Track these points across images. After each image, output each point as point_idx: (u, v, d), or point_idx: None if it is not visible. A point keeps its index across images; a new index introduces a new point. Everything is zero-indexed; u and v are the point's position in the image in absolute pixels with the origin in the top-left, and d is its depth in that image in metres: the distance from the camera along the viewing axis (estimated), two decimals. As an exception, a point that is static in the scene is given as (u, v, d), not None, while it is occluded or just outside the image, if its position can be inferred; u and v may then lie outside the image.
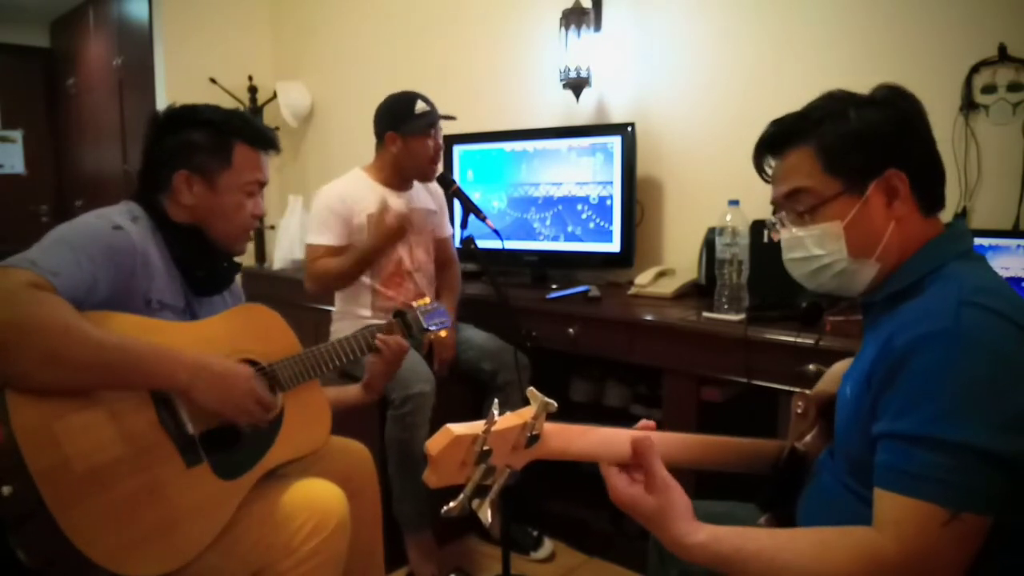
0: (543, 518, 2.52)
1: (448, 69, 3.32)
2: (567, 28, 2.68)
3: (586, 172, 2.64)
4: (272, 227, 3.68)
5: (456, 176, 2.90)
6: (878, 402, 0.94)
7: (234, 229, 1.50)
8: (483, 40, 3.20)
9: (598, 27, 2.75)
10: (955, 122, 2.01)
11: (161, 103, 4.08)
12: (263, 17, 4.31)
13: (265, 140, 1.53)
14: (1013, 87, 1.95)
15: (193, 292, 1.49)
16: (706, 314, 2.07)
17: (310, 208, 2.42)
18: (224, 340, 1.43)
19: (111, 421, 1.22)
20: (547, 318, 2.37)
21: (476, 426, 0.83)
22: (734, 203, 2.09)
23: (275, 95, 4.05)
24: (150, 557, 1.21)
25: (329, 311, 2.52)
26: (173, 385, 1.27)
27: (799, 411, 1.21)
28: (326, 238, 2.31)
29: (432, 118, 2.34)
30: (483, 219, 2.13)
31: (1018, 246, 1.81)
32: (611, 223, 2.59)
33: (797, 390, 1.28)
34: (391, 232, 2.24)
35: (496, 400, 0.87)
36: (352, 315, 2.40)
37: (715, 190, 2.42)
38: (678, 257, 2.64)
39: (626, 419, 2.51)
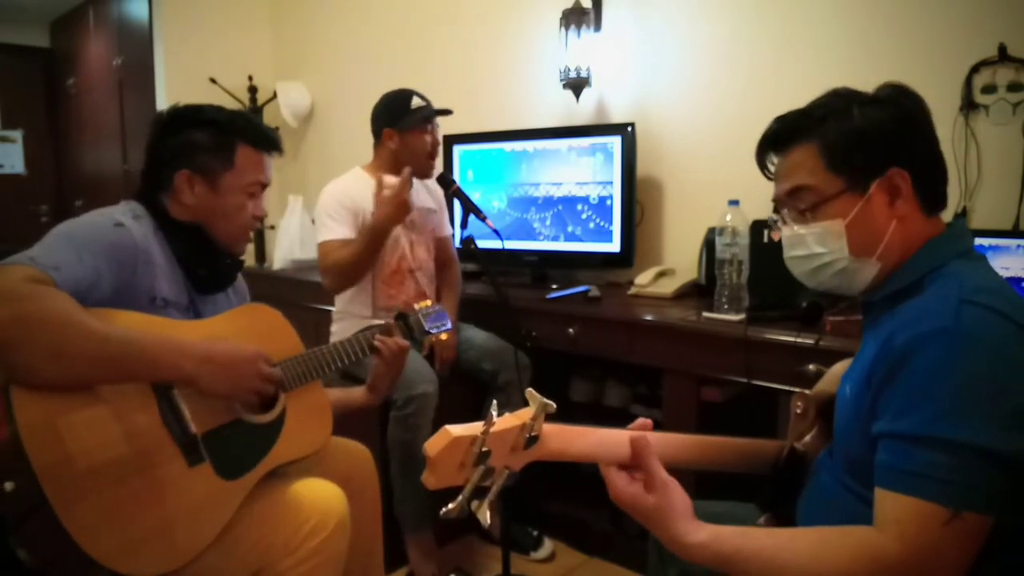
0: (543, 518, 2.52)
1: (448, 69, 3.32)
2: (567, 28, 2.68)
3: (586, 172, 2.64)
4: (272, 227, 3.68)
5: (456, 176, 2.90)
6: (878, 401, 0.94)
7: (235, 229, 1.51)
8: (483, 40, 3.20)
9: (598, 27, 2.75)
10: (955, 122, 2.01)
11: (161, 103, 4.08)
12: (263, 17, 4.31)
13: (268, 141, 1.53)
14: (1013, 87, 1.95)
15: (196, 290, 1.50)
16: (706, 314, 2.07)
17: (312, 208, 2.42)
18: (228, 339, 1.43)
19: (114, 419, 1.22)
20: (547, 318, 2.37)
21: (475, 427, 0.83)
22: (734, 203, 2.09)
23: (275, 95, 4.05)
24: (151, 556, 1.21)
25: (329, 311, 2.52)
26: (179, 376, 1.27)
27: (798, 411, 1.21)
28: (339, 232, 2.30)
29: (428, 112, 2.35)
30: (483, 219, 2.13)
31: (1018, 246, 1.81)
32: (611, 223, 2.59)
33: (797, 390, 1.28)
34: (391, 203, 2.15)
35: (495, 401, 0.87)
36: (352, 315, 2.40)
37: (715, 190, 2.42)
38: (678, 257, 2.64)
39: (626, 419, 2.49)
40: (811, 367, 1.76)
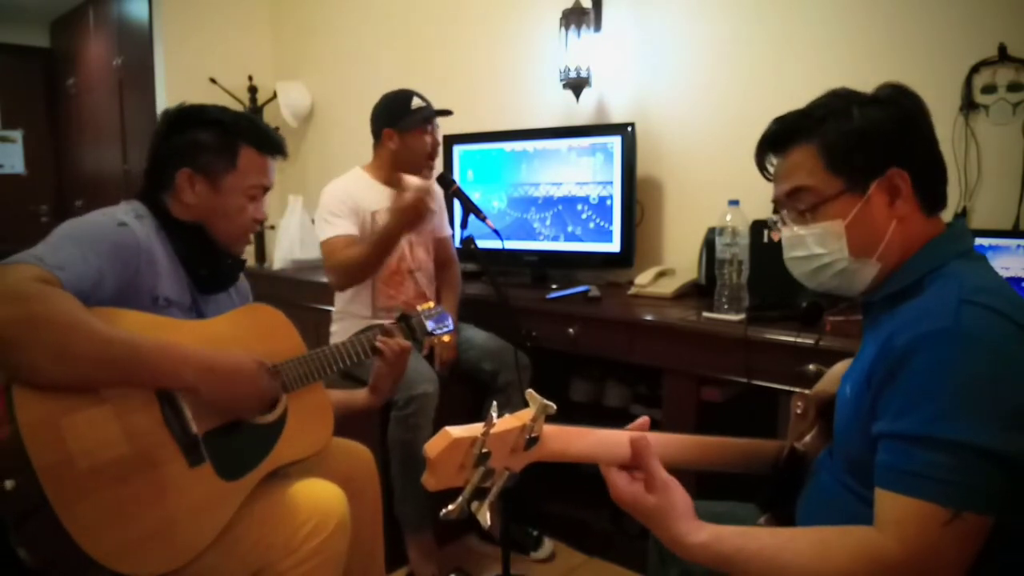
0: (543, 518, 2.52)
1: (448, 69, 3.32)
2: (567, 28, 2.68)
3: (586, 172, 2.64)
4: (272, 227, 3.68)
5: (456, 176, 2.90)
6: (878, 402, 0.94)
7: (234, 230, 1.51)
8: (483, 40, 3.20)
9: (598, 27, 2.75)
10: (955, 122, 2.01)
11: (161, 103, 4.08)
12: (263, 17, 4.31)
13: (272, 145, 1.53)
14: (1013, 87, 1.95)
15: (198, 290, 1.50)
16: (706, 314, 2.07)
17: (312, 208, 2.42)
18: (230, 339, 1.43)
19: (116, 419, 1.22)
20: (547, 318, 2.37)
21: (475, 429, 0.82)
22: (734, 203, 2.09)
23: (275, 95, 4.05)
24: (150, 556, 1.21)
25: (329, 311, 2.52)
26: (180, 383, 1.27)
27: (798, 411, 1.22)
28: (342, 228, 2.29)
29: (428, 112, 2.35)
30: (483, 219, 2.13)
31: (1018, 246, 1.81)
32: (611, 223, 2.59)
33: (797, 390, 1.28)
34: (410, 208, 2.11)
35: (495, 403, 0.87)
36: (352, 315, 2.40)
37: (715, 190, 2.42)
38: (678, 257, 2.64)
39: (626, 419, 2.50)
40: (811, 367, 1.76)
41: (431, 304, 1.84)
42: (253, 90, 4.07)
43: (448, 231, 2.61)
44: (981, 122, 2.00)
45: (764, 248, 2.04)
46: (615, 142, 2.56)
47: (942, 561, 0.86)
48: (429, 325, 1.77)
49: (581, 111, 2.83)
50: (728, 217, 2.07)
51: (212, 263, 1.50)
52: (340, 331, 2.41)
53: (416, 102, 2.34)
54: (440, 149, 2.47)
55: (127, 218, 1.37)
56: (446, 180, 2.28)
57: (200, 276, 1.49)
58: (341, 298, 2.43)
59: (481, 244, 2.12)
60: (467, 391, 2.42)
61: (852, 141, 1.03)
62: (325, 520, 1.37)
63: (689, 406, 2.05)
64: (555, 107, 2.93)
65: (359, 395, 1.73)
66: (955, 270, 0.99)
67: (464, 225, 2.11)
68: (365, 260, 2.22)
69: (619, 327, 2.21)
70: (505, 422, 0.85)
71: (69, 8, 5.16)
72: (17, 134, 5.54)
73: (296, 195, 3.61)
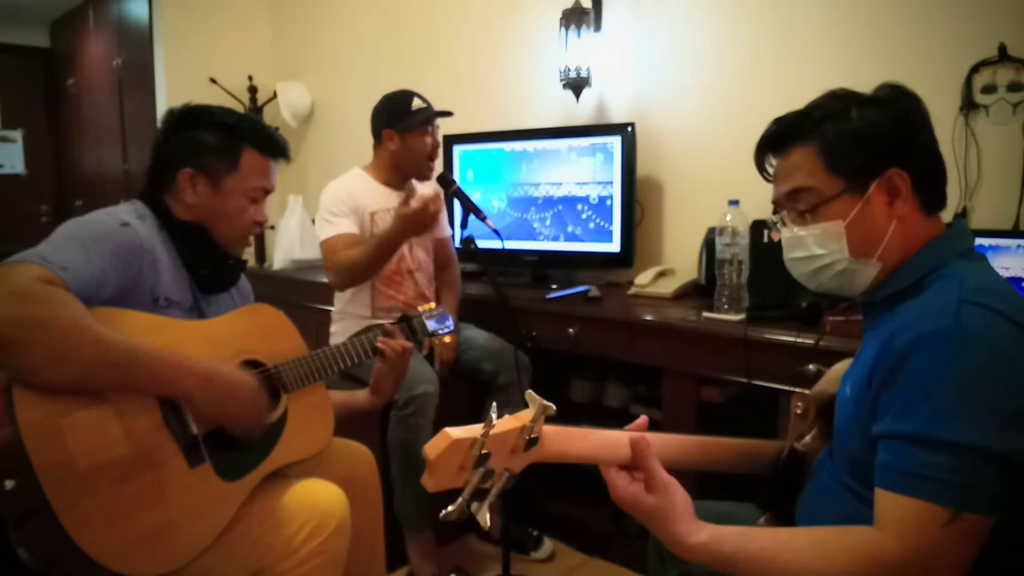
0: (543, 518, 2.52)
1: (448, 69, 3.32)
2: (567, 28, 2.68)
3: (586, 172, 2.64)
4: (272, 227, 3.68)
5: (456, 176, 2.90)
6: (878, 402, 0.94)
7: (234, 232, 1.51)
8: (483, 40, 3.20)
9: (598, 27, 2.75)
10: (955, 122, 2.01)
11: (161, 103, 4.08)
12: (263, 17, 4.31)
13: (276, 148, 1.53)
14: (1013, 87, 1.95)
15: (200, 290, 1.50)
16: (706, 314, 2.07)
17: (312, 208, 2.42)
18: (231, 339, 1.43)
19: (116, 419, 1.22)
20: (547, 318, 2.37)
21: (474, 430, 0.82)
22: (734, 203, 2.09)
23: (275, 95, 4.05)
24: (150, 557, 1.21)
25: (329, 311, 2.52)
26: (177, 392, 1.27)
27: (798, 411, 1.22)
28: (343, 227, 2.30)
29: (428, 113, 2.35)
30: (483, 219, 2.13)
31: (1018, 246, 1.81)
32: (611, 223, 2.59)
33: (797, 390, 1.28)
34: (414, 217, 2.12)
35: (495, 404, 0.87)
36: (352, 315, 2.40)
37: (715, 190, 2.42)
38: (678, 257, 2.64)
39: (626, 419, 2.50)
40: (811, 367, 1.76)
41: (432, 305, 1.84)
42: (253, 90, 4.07)
43: (448, 232, 2.61)
44: (981, 122, 2.00)
45: (764, 248, 2.04)
46: (615, 142, 2.56)
47: (942, 562, 0.86)
48: (431, 325, 1.78)
49: (581, 111, 2.83)
50: (728, 217, 2.07)
51: (213, 263, 1.50)
52: (340, 331, 2.41)
53: (416, 103, 2.34)
54: (440, 150, 2.46)
55: (130, 218, 1.37)
56: (446, 180, 2.28)
57: (202, 276, 1.49)
58: (341, 298, 2.43)
59: (481, 244, 2.12)
60: (467, 391, 2.42)
61: (851, 142, 1.03)
62: (325, 521, 1.37)
63: (689, 406, 2.05)
64: (555, 107, 2.93)
65: (359, 396, 1.73)
66: (955, 270, 0.99)
67: (464, 225, 2.11)
68: (365, 262, 2.22)
69: (619, 327, 2.21)
70: (505, 423, 0.85)
71: (69, 8, 5.16)
72: (17, 134, 5.54)
73: (296, 195, 3.61)
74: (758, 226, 2.08)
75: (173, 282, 1.42)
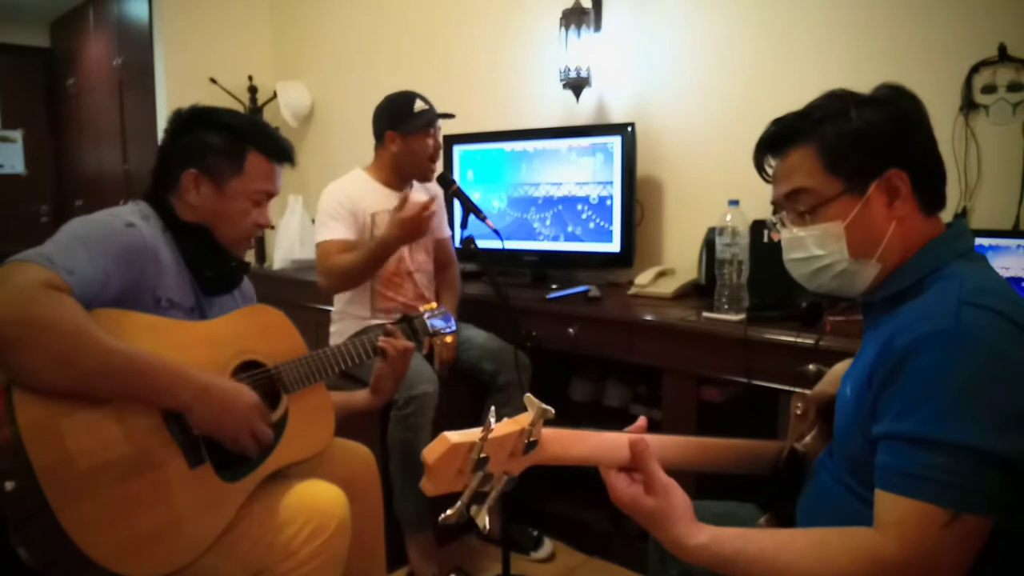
0: (543, 518, 2.52)
1: (448, 69, 3.32)
2: (567, 28, 2.68)
3: (586, 172, 2.64)
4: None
5: (456, 176, 2.90)
6: (878, 403, 0.94)
7: (237, 234, 1.51)
8: (483, 40, 3.20)
9: (598, 27, 2.75)
10: (955, 122, 2.01)
11: (161, 103, 4.08)
12: (263, 17, 4.31)
13: (281, 152, 1.53)
14: (1013, 87, 1.95)
15: (203, 292, 1.50)
16: (706, 314, 2.07)
17: (312, 208, 2.42)
18: (231, 340, 1.43)
19: (116, 420, 1.22)
20: (547, 318, 2.37)
21: (473, 434, 0.82)
22: (734, 203, 2.09)
23: (275, 95, 4.05)
24: (150, 557, 1.21)
25: (329, 311, 2.52)
26: (176, 403, 1.27)
27: (798, 412, 1.21)
28: (338, 232, 2.30)
29: (431, 116, 2.34)
30: (483, 219, 2.13)
31: (1018, 246, 1.81)
32: (611, 223, 2.59)
33: (797, 390, 1.28)
34: (408, 223, 2.12)
35: (493, 408, 0.87)
36: (352, 316, 2.40)
37: (715, 190, 2.42)
38: (678, 257, 2.64)
39: (626, 419, 2.50)
40: (811, 367, 1.76)
41: (434, 304, 1.84)
42: (253, 90, 4.07)
43: (448, 232, 2.61)
44: (981, 122, 2.00)
45: (764, 248, 2.04)
46: (615, 142, 2.56)
47: (942, 562, 0.86)
48: (438, 323, 1.78)
49: (581, 111, 2.83)
50: (728, 217, 2.07)
51: (216, 265, 1.50)
52: (340, 331, 2.41)
53: (419, 105, 2.33)
54: (441, 151, 2.46)
55: (135, 219, 1.37)
56: (446, 180, 2.28)
57: (205, 278, 1.49)
58: (340, 299, 2.43)
59: (481, 244, 2.12)
60: (467, 391, 2.42)
61: (850, 142, 1.03)
62: (326, 522, 1.37)
63: (689, 406, 2.05)
64: (555, 107, 2.93)
65: (360, 396, 1.73)
66: (955, 271, 0.99)
67: (464, 225, 2.11)
68: (359, 267, 2.23)
69: (619, 327, 2.21)
70: (503, 427, 0.85)
71: (69, 8, 5.16)
72: (17, 134, 5.54)
73: (296, 195, 3.61)
74: (758, 226, 2.08)
75: (176, 283, 1.42)
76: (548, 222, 2.75)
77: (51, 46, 5.61)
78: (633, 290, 2.47)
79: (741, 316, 1.99)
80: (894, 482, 0.89)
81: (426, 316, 1.78)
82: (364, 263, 2.22)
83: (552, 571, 2.37)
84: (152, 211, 1.45)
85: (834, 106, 1.05)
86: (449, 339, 1.99)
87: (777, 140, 1.10)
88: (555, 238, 2.74)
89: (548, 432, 0.90)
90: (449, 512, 0.82)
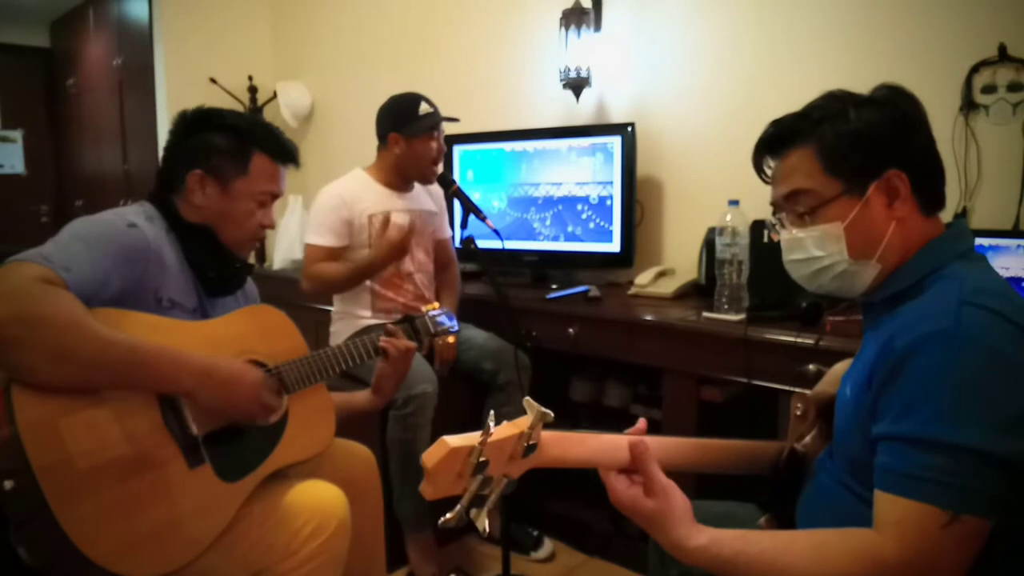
0: (543, 518, 2.52)
1: (448, 69, 3.32)
2: (567, 28, 2.68)
3: (586, 172, 2.64)
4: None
5: (456, 176, 2.90)
6: (878, 403, 0.94)
7: (241, 235, 1.51)
8: (483, 40, 3.19)
9: (598, 27, 2.75)
10: (955, 122, 2.01)
11: (161, 103, 4.08)
12: (263, 17, 4.31)
13: (285, 153, 1.53)
14: (1013, 87, 1.95)
15: (206, 292, 1.50)
16: (706, 314, 2.07)
17: (311, 207, 2.42)
18: (232, 340, 1.43)
19: (115, 420, 1.22)
20: (547, 318, 2.37)
21: (472, 437, 0.82)
22: (734, 203, 2.09)
23: (275, 95, 4.05)
24: (149, 558, 1.21)
25: (329, 311, 2.52)
26: (178, 389, 1.28)
27: (798, 412, 1.21)
28: (325, 239, 2.32)
29: (435, 119, 2.33)
30: (483, 219, 2.13)
31: (1018, 246, 1.81)
32: (611, 223, 2.59)
33: (797, 390, 1.28)
34: (394, 247, 2.20)
35: (492, 412, 0.87)
36: (352, 315, 2.40)
37: (715, 190, 2.42)
38: (678, 257, 2.64)
39: (626, 419, 2.51)
40: (811, 367, 1.76)
41: (436, 304, 1.84)
42: (253, 90, 4.07)
43: (448, 232, 2.61)
44: (981, 122, 2.00)
45: (764, 248, 2.03)
46: (615, 142, 2.56)
47: (941, 563, 0.86)
48: (442, 322, 1.78)
49: (581, 111, 2.83)
50: (728, 217, 2.07)
51: (220, 266, 1.50)
52: (340, 331, 2.41)
53: (424, 107, 2.32)
54: (443, 153, 2.46)
55: (138, 219, 1.37)
56: (446, 180, 2.29)
57: (208, 279, 1.49)
58: (340, 299, 2.43)
59: (481, 244, 2.12)
60: (467, 391, 2.42)
61: (849, 143, 1.03)
62: (326, 522, 1.37)
63: (689, 406, 2.05)
64: (555, 107, 2.93)
65: (360, 396, 1.73)
66: (955, 271, 0.99)
67: (464, 225, 2.11)
68: (340, 282, 2.31)
69: (619, 327, 2.21)
70: (503, 430, 0.85)
71: (69, 8, 5.16)
72: (17, 134, 5.54)
73: (296, 195, 3.61)
74: (758, 226, 2.08)
75: (178, 284, 1.42)
76: (548, 222, 2.75)
77: (51, 46, 5.61)
78: (633, 290, 2.47)
79: (741, 316, 1.99)
80: (893, 483, 0.89)
81: (429, 316, 1.78)
82: (347, 279, 2.30)
83: (552, 571, 2.37)
84: (156, 212, 1.45)
85: (833, 107, 1.05)
86: (451, 339, 2.00)
87: (776, 141, 1.10)
88: (555, 238, 2.74)
89: (547, 435, 0.90)
90: (449, 515, 0.82)
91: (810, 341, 1.78)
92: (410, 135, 2.31)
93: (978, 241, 1.64)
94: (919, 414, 0.88)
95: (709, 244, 2.31)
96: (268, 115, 3.95)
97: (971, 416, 0.86)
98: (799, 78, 2.30)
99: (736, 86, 2.46)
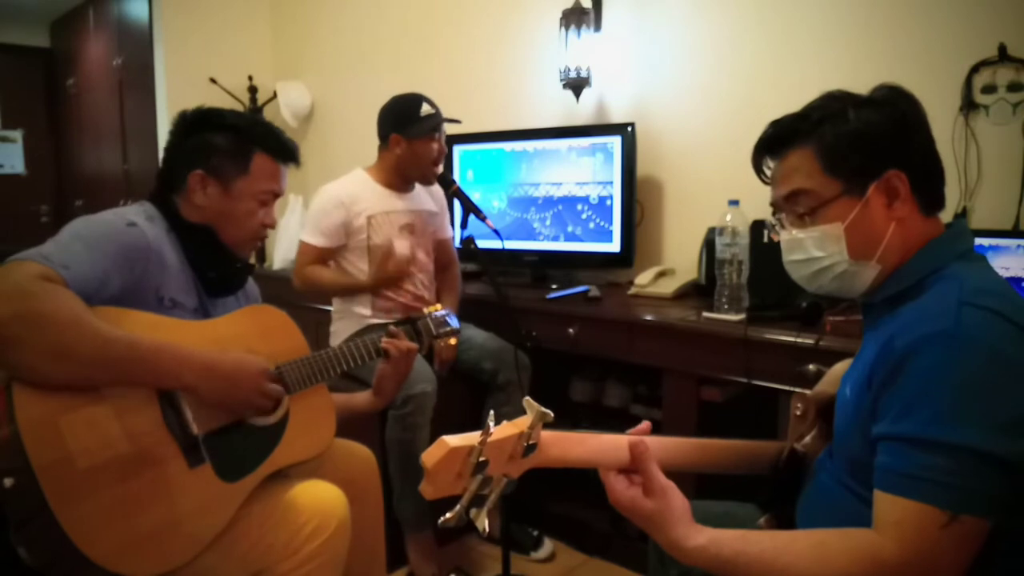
0: (543, 518, 2.52)
1: (448, 69, 3.32)
2: (567, 28, 2.68)
3: (586, 172, 2.64)
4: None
5: (456, 176, 2.90)
6: (878, 403, 0.94)
7: (243, 235, 1.51)
8: (483, 40, 3.19)
9: (598, 27, 2.75)
10: (955, 122, 2.01)
11: (161, 103, 4.08)
12: (263, 17, 4.31)
13: (286, 152, 1.54)
14: (1013, 87, 1.95)
15: (207, 292, 1.50)
16: (706, 314, 2.07)
17: (310, 204, 2.43)
18: (233, 340, 1.43)
19: (116, 419, 1.22)
20: (547, 318, 2.37)
21: (472, 437, 0.82)
22: (734, 203, 2.09)
23: (275, 95, 4.05)
24: (148, 557, 1.21)
25: (329, 311, 2.52)
26: (179, 384, 1.28)
27: (798, 412, 1.21)
28: (318, 240, 2.34)
29: (437, 120, 2.33)
30: (483, 219, 2.13)
31: (1018, 246, 1.81)
32: (611, 223, 2.59)
33: (797, 390, 1.28)
34: (391, 280, 2.31)
35: (492, 412, 0.87)
36: (352, 314, 2.40)
37: (715, 190, 2.42)
38: (678, 257, 2.64)
39: (626, 419, 2.51)
40: (811, 367, 1.77)
41: (438, 306, 1.84)
42: (253, 90, 4.07)
43: (449, 233, 2.60)
44: (981, 122, 2.00)
45: (764, 248, 2.03)
46: (615, 142, 2.56)
47: (940, 563, 0.86)
48: (447, 323, 1.78)
49: (581, 111, 2.83)
50: (728, 217, 2.07)
51: (221, 266, 1.50)
52: (340, 330, 2.41)
53: (425, 109, 2.32)
54: (444, 155, 2.46)
55: (138, 219, 1.38)
56: (446, 180, 2.29)
57: (209, 278, 1.49)
58: (340, 298, 2.43)
59: (481, 244, 2.13)
60: (466, 390, 2.42)
61: (849, 143, 1.03)
62: (326, 522, 1.37)
63: (689, 406, 2.05)
64: (555, 107, 2.93)
65: (361, 397, 1.73)
66: (955, 271, 0.99)
67: (464, 225, 2.11)
68: (329, 291, 2.43)
69: (619, 327, 2.21)
70: (502, 430, 0.85)
71: (69, 8, 5.16)
72: (17, 134, 5.54)
73: (296, 195, 3.61)
74: (758, 226, 2.08)
75: (179, 284, 1.42)
76: (548, 222, 2.75)
77: (51, 46, 5.61)
78: (633, 290, 2.47)
79: (741, 316, 1.99)
80: (893, 483, 0.89)
81: (431, 317, 1.78)
82: (338, 290, 2.40)
83: (552, 571, 2.37)
84: (157, 212, 1.45)
85: (832, 107, 1.05)
86: (453, 342, 2.00)
87: (776, 142, 1.10)
88: (555, 238, 2.74)
89: (547, 435, 0.90)
90: (448, 515, 0.82)
91: (810, 341, 1.78)
92: (411, 136, 2.31)
93: (978, 241, 1.64)
94: (919, 414, 0.88)
95: (709, 244, 2.31)
96: (268, 115, 3.94)
97: (971, 416, 0.86)
98: (799, 78, 2.30)
99: (736, 86, 2.46)
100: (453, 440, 0.81)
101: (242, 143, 1.48)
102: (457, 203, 2.17)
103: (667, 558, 1.26)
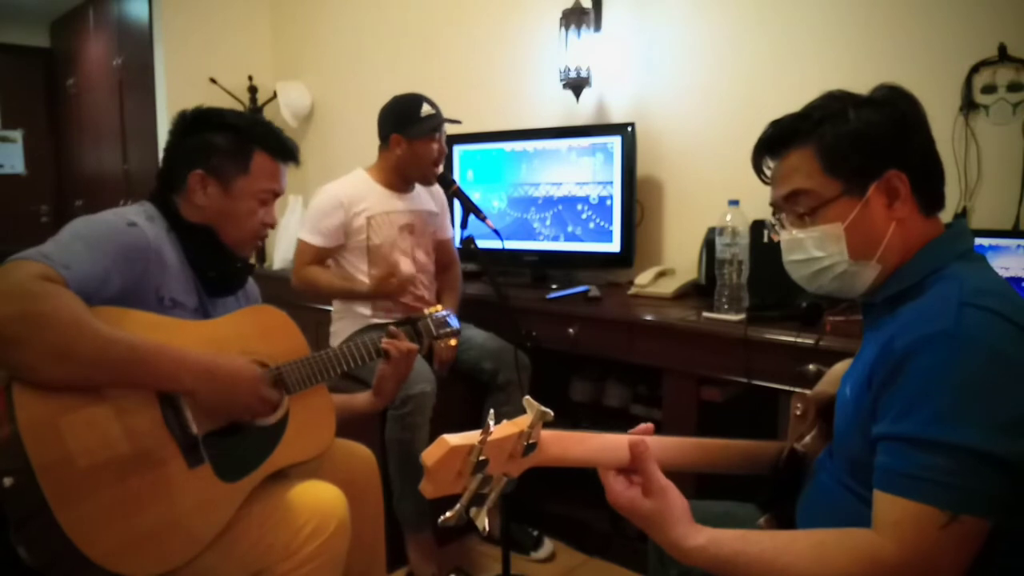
0: (543, 518, 2.52)
1: (448, 69, 3.32)
2: (567, 28, 2.68)
3: (586, 172, 2.64)
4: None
5: (456, 176, 2.89)
6: (878, 403, 0.94)
7: (243, 234, 1.51)
8: (483, 40, 3.19)
9: (598, 27, 2.75)
10: (955, 122, 2.01)
11: (161, 103, 4.08)
12: (263, 17, 4.31)
13: (286, 151, 1.54)
14: (1013, 87, 1.95)
15: (207, 292, 1.50)
16: (706, 314, 2.07)
17: (310, 203, 2.43)
18: (233, 340, 1.43)
19: (116, 419, 1.22)
20: (547, 318, 2.37)
21: (472, 436, 0.82)
22: (734, 203, 2.09)
23: (275, 95, 4.05)
24: (148, 557, 1.21)
25: (329, 311, 2.52)
26: (178, 387, 1.28)
27: (798, 412, 1.21)
28: (317, 240, 2.34)
29: (437, 121, 2.33)
30: (483, 219, 2.13)
31: (1018, 246, 1.81)
32: (611, 223, 2.59)
33: (797, 390, 1.28)
34: (390, 294, 2.31)
35: (492, 411, 0.87)
36: (352, 314, 2.40)
37: (715, 190, 2.42)
38: (678, 257, 2.64)
39: (626, 419, 2.51)
40: (811, 367, 1.77)
41: (439, 307, 1.84)
42: (253, 90, 4.07)
43: (450, 233, 2.60)
44: (981, 122, 2.00)
45: (764, 248, 2.03)
46: (615, 142, 2.56)
47: (940, 564, 0.86)
48: (448, 324, 1.78)
49: (581, 111, 2.83)
50: (728, 217, 2.07)
51: (221, 265, 1.50)
52: (340, 330, 2.41)
53: (426, 109, 2.32)
54: (445, 155, 2.46)
55: (138, 219, 1.38)
56: (446, 180, 2.29)
57: (209, 278, 1.49)
58: (340, 299, 2.44)
59: (481, 244, 2.12)
60: (466, 390, 2.42)
61: (849, 143, 1.03)
62: (325, 522, 1.37)
63: (689, 406, 2.05)
64: (555, 107, 2.93)
65: (361, 398, 1.73)
66: (955, 272, 0.99)
67: (464, 225, 2.11)
68: (327, 294, 2.43)
69: (619, 327, 2.21)
70: (503, 429, 0.85)
71: (69, 8, 5.16)
72: (17, 134, 5.54)
73: (296, 195, 3.61)
74: (758, 226, 2.08)
75: (180, 283, 1.42)
76: (548, 222, 2.75)
77: (51, 46, 5.61)
78: (633, 290, 2.47)
79: (741, 316, 1.99)
80: (893, 483, 0.89)
81: (432, 318, 1.78)
82: (336, 294, 2.40)
83: (552, 571, 2.37)
84: (157, 212, 1.45)
85: (832, 107, 1.05)
86: (453, 343, 2.00)
87: (776, 142, 1.10)
88: (555, 238, 2.74)
89: (547, 434, 0.90)
90: (448, 514, 0.82)
91: (810, 341, 1.78)
92: (412, 136, 2.31)
93: (978, 241, 1.64)
94: (919, 414, 0.88)
95: (709, 244, 2.31)
96: (268, 115, 3.93)
97: (971, 416, 0.86)
98: (799, 78, 2.30)
99: (736, 86, 2.46)
100: (453, 439, 0.81)
101: (242, 142, 1.48)
102: (457, 203, 2.17)
103: (667, 558, 1.26)
